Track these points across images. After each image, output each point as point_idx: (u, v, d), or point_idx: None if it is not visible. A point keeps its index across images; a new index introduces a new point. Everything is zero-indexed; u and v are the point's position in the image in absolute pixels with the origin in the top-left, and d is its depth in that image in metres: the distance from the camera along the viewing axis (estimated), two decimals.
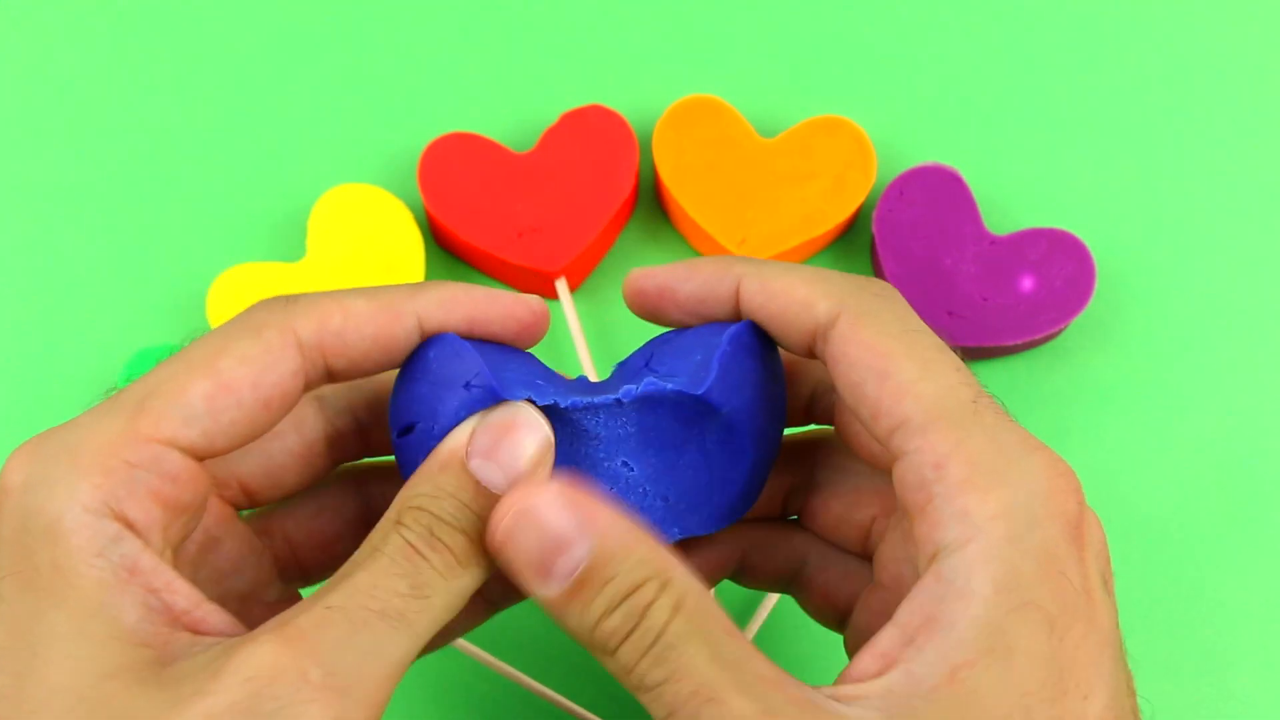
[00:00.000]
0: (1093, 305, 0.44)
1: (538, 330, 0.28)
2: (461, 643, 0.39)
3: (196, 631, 0.23)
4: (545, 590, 0.23)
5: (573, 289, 0.44)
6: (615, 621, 0.23)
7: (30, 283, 0.45)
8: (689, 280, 0.28)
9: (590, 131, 0.45)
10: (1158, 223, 0.47)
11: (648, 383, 0.26)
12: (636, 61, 0.50)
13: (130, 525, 0.22)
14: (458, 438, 0.25)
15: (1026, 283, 0.44)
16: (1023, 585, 0.22)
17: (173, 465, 0.23)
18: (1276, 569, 0.42)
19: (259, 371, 0.24)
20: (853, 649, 0.29)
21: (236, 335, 0.24)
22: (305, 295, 0.26)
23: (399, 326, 0.26)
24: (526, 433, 0.25)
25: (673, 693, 0.22)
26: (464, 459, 0.24)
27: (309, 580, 0.30)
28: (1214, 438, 0.44)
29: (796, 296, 0.26)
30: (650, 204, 0.47)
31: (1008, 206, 0.47)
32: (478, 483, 0.24)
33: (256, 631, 0.22)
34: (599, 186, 0.44)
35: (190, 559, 0.26)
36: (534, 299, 0.28)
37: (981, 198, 0.45)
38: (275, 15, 0.50)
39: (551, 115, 0.46)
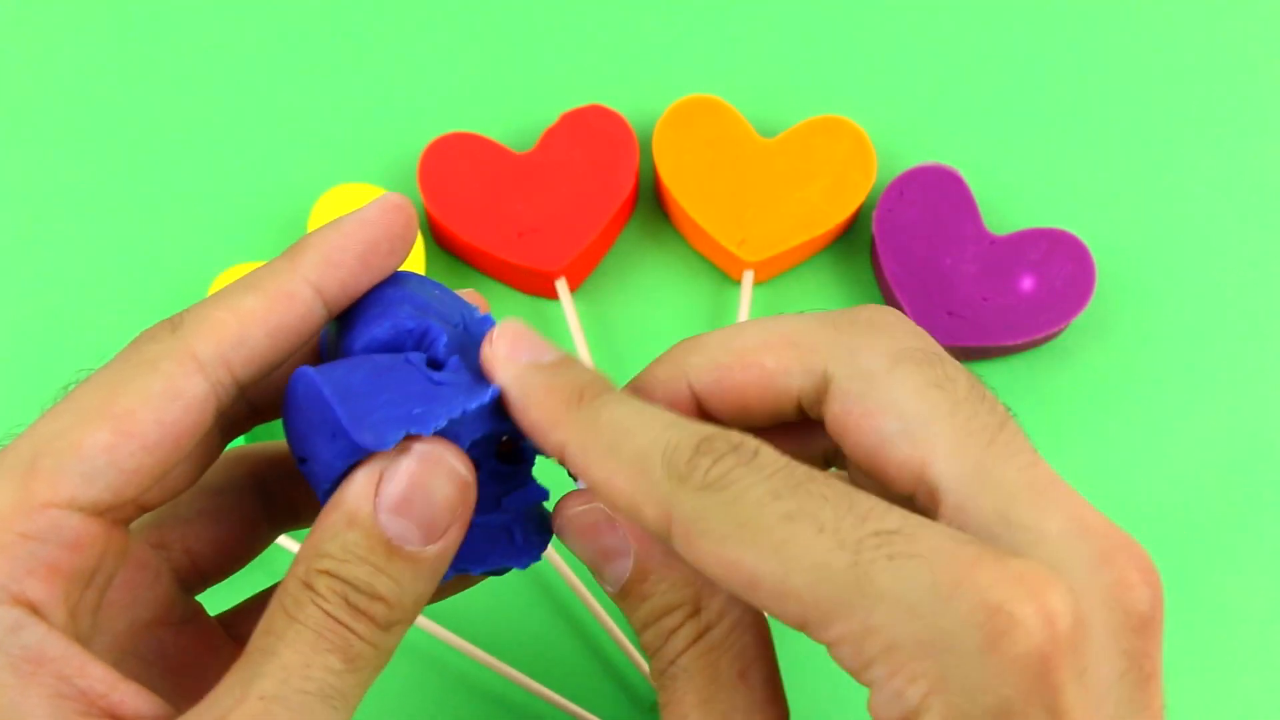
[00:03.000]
0: (1093, 305, 0.44)
1: (406, 229, 0.24)
2: (462, 643, 0.39)
3: (114, 716, 0.21)
4: (603, 584, 0.24)
5: (573, 289, 0.44)
6: (648, 637, 0.23)
7: (30, 282, 0.45)
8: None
9: (590, 131, 0.45)
10: (1158, 223, 0.47)
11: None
12: (636, 61, 0.50)
13: (32, 607, 0.20)
14: (361, 487, 0.22)
15: (1026, 283, 0.44)
16: None
17: (74, 530, 0.21)
18: (1277, 569, 0.42)
19: (162, 409, 0.21)
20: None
21: (130, 373, 0.22)
22: (190, 311, 0.23)
23: (299, 310, 0.23)
24: (438, 482, 0.22)
25: (666, 715, 0.23)
26: (372, 513, 0.22)
27: (210, 584, 0.28)
28: (1214, 437, 0.44)
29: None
30: (650, 204, 0.47)
31: (1008, 206, 0.47)
32: (389, 541, 0.22)
33: None
34: (599, 186, 0.44)
35: (89, 603, 0.23)
36: (389, 198, 0.24)
37: (981, 198, 0.45)
38: (275, 15, 0.50)
39: (551, 115, 0.46)
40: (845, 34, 0.51)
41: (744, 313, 0.44)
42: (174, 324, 0.23)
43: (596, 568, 0.24)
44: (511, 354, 0.23)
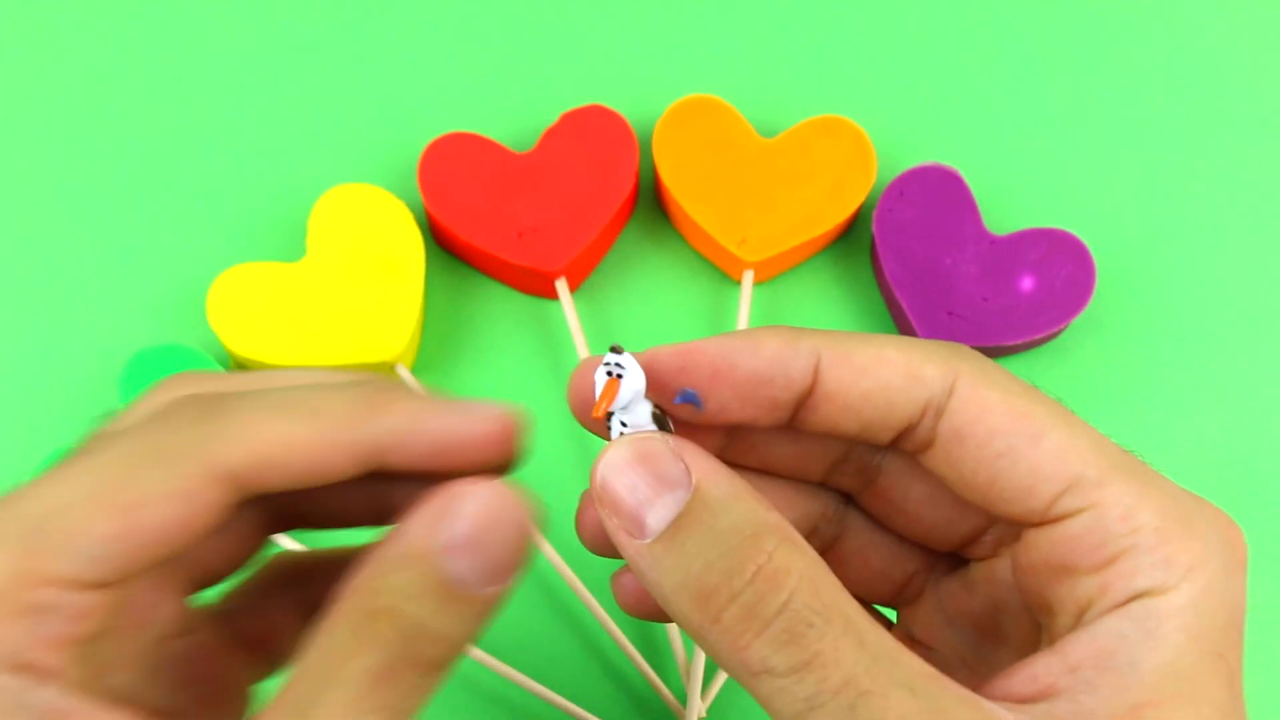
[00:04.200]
0: (1093, 305, 0.44)
1: (508, 456, 0.23)
2: None
3: None
4: (640, 538, 0.21)
5: (573, 289, 0.44)
6: (715, 578, 0.20)
7: (30, 282, 0.45)
8: (754, 355, 0.23)
9: (590, 131, 0.45)
10: (1158, 223, 0.47)
11: None
12: (636, 61, 0.50)
13: (39, 672, 0.20)
14: (428, 524, 0.21)
15: (1026, 283, 0.44)
16: (1214, 635, 0.21)
17: (78, 604, 0.21)
18: (1277, 569, 0.42)
19: (172, 509, 0.21)
20: None
21: (150, 461, 0.21)
22: (234, 404, 0.22)
23: (345, 462, 0.22)
24: (508, 531, 0.21)
25: (815, 682, 0.19)
26: (434, 552, 0.21)
27: (215, 585, 0.27)
28: (1214, 437, 0.44)
29: (896, 368, 0.22)
30: (650, 204, 0.47)
31: (1008, 206, 0.47)
32: (449, 583, 0.21)
33: None
34: (599, 186, 0.44)
35: (149, 663, 0.24)
36: (507, 412, 0.23)
37: (981, 198, 0.45)
38: (275, 15, 0.50)
39: (551, 115, 0.46)
40: (845, 34, 0.51)
41: (744, 312, 0.44)
42: (211, 410, 0.22)
43: (641, 508, 0.21)
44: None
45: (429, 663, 0.21)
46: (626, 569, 0.26)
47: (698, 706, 0.38)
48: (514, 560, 0.22)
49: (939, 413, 0.22)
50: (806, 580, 0.20)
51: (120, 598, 0.22)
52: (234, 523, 0.25)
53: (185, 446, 0.21)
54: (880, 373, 0.23)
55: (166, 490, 0.21)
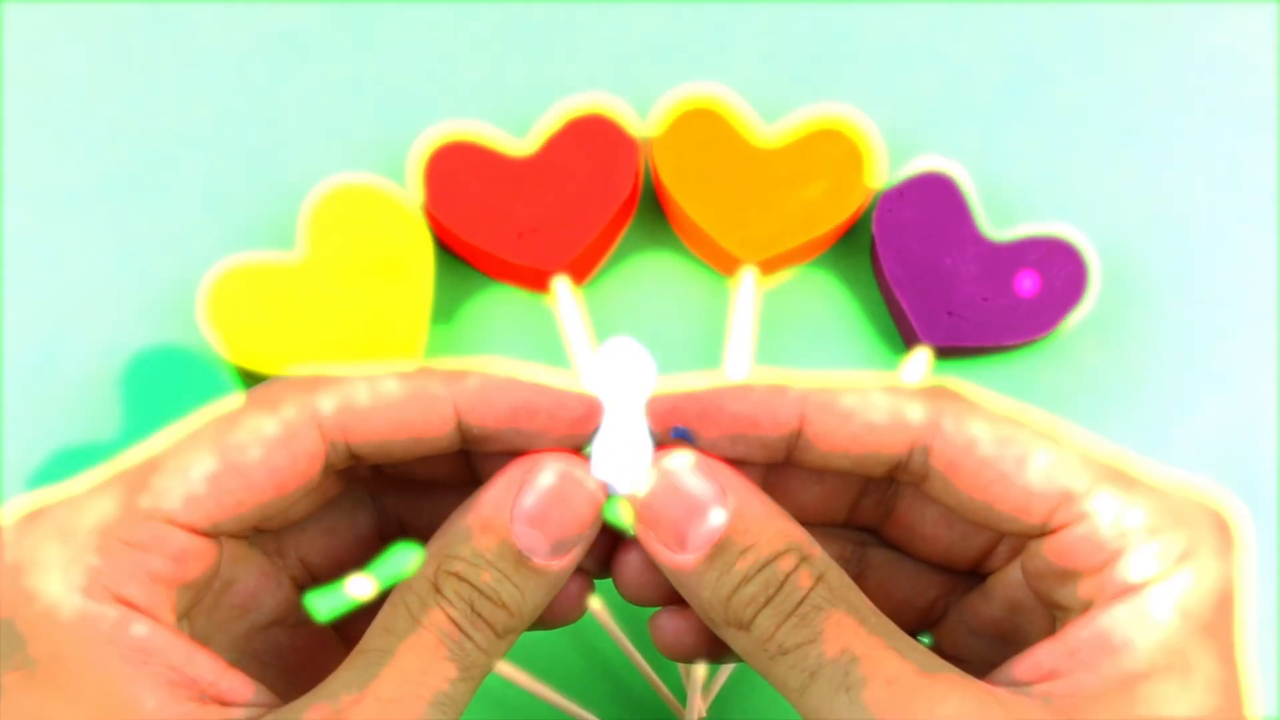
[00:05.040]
0: (1093, 305, 0.44)
1: (586, 429, 0.24)
2: None
3: (224, 703, 0.22)
4: (681, 557, 0.23)
5: (573, 290, 0.44)
6: (753, 589, 0.23)
7: (30, 283, 0.45)
8: (741, 398, 0.24)
9: (591, 133, 0.45)
10: (1158, 223, 0.47)
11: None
12: (636, 61, 0.50)
13: (133, 607, 0.21)
14: (499, 495, 0.23)
15: (1026, 283, 0.44)
16: (1205, 613, 0.22)
17: (176, 544, 0.22)
18: (1276, 570, 0.42)
19: (271, 452, 0.22)
20: None
21: (251, 409, 0.23)
22: (333, 372, 0.24)
23: (433, 415, 0.24)
24: (579, 503, 0.23)
25: (816, 653, 0.22)
26: (506, 522, 0.23)
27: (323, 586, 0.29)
28: (1213, 438, 0.44)
29: (880, 412, 0.24)
30: (650, 204, 0.47)
31: (1008, 205, 0.47)
32: (519, 552, 0.23)
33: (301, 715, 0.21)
34: (599, 187, 0.44)
35: (205, 605, 0.25)
36: (589, 394, 0.24)
37: (982, 197, 0.45)
38: (275, 13, 0.50)
39: (553, 116, 0.45)
40: (846, 32, 0.51)
41: (745, 314, 0.44)
42: (311, 376, 0.24)
43: (681, 531, 0.23)
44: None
45: (495, 627, 0.23)
46: (661, 614, 0.27)
47: (698, 706, 0.38)
48: (580, 534, 0.24)
49: (927, 450, 0.24)
50: (823, 583, 0.23)
51: (223, 563, 0.23)
52: (342, 519, 0.27)
53: (284, 398, 0.23)
54: (865, 416, 0.24)
55: (265, 434, 0.22)
